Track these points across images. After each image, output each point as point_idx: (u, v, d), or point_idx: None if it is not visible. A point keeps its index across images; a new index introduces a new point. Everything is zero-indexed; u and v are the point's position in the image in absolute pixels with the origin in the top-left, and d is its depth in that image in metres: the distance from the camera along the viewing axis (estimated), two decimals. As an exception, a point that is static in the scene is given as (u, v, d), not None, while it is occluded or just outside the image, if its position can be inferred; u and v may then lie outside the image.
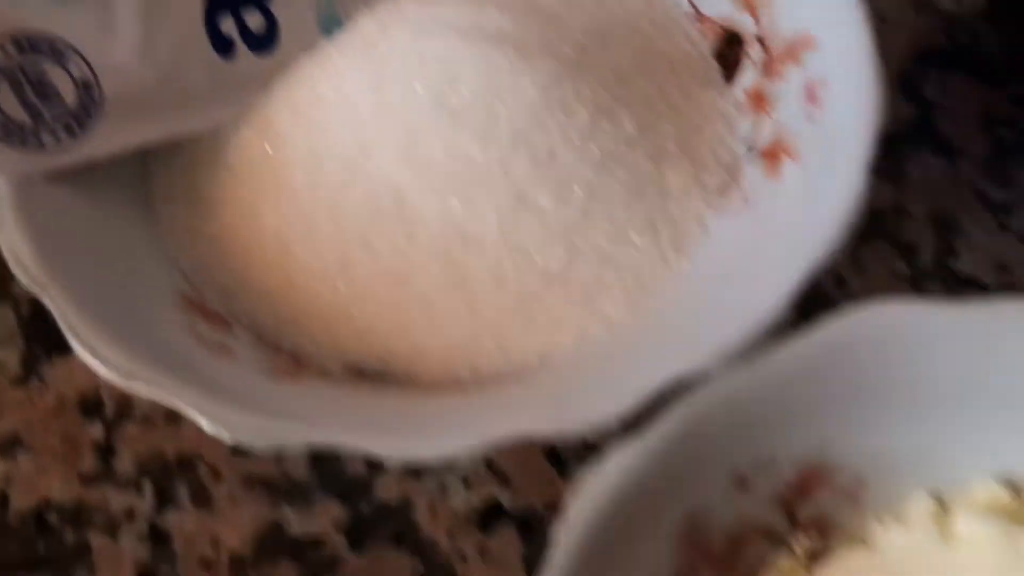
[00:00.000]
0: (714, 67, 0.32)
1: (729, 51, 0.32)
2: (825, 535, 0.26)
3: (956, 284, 0.34)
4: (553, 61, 0.29)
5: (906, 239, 0.35)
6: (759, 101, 0.30)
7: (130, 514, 0.32)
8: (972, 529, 0.25)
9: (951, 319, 0.24)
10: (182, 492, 0.32)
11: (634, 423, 0.23)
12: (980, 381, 0.25)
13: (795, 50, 0.30)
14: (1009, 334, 0.24)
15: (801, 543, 0.26)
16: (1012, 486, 0.26)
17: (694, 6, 0.33)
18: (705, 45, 0.33)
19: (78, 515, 0.32)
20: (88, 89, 0.29)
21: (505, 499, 0.31)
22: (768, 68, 0.31)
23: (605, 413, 0.23)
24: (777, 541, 0.26)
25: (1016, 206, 0.35)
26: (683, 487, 0.23)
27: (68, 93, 0.29)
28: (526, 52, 0.29)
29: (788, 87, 0.30)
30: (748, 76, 0.32)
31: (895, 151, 0.36)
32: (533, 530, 0.31)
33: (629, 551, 0.23)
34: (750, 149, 0.30)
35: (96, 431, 0.33)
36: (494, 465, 0.32)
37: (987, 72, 0.38)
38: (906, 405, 0.25)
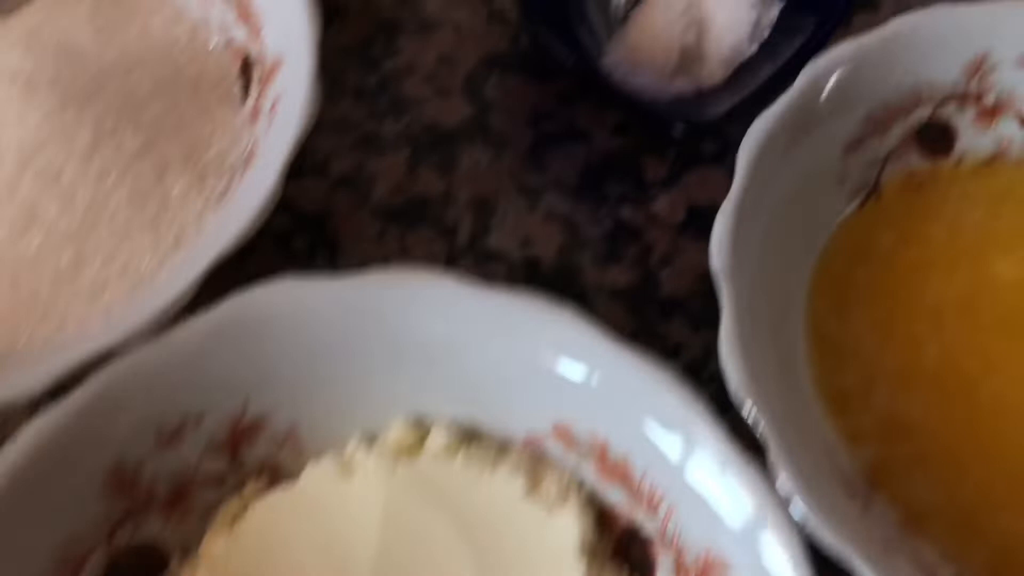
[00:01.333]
0: (235, 88, 0.37)
1: (246, 74, 0.37)
2: (275, 478, 0.31)
3: (485, 259, 0.39)
4: (61, 92, 0.34)
5: (448, 222, 0.40)
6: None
7: None
8: (365, 462, 0.30)
9: (332, 291, 0.30)
10: None
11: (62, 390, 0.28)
12: (373, 339, 0.30)
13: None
14: (382, 299, 0.30)
15: (251, 486, 0.31)
16: (420, 424, 0.31)
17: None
18: (232, 69, 0.38)
19: None
20: None
21: None
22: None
23: (28, 385, 0.28)
24: (229, 486, 0.31)
25: (545, 189, 0.41)
26: (105, 442, 0.28)
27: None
28: (34, 86, 0.34)
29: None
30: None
31: (450, 146, 0.41)
32: None
33: (53, 500, 0.28)
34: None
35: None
36: None
37: (539, 72, 0.43)
38: (320, 364, 0.31)
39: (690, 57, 0.41)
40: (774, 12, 0.41)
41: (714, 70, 0.41)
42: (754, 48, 0.41)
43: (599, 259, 0.39)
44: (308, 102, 0.32)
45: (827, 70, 0.34)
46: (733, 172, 0.32)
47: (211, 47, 0.38)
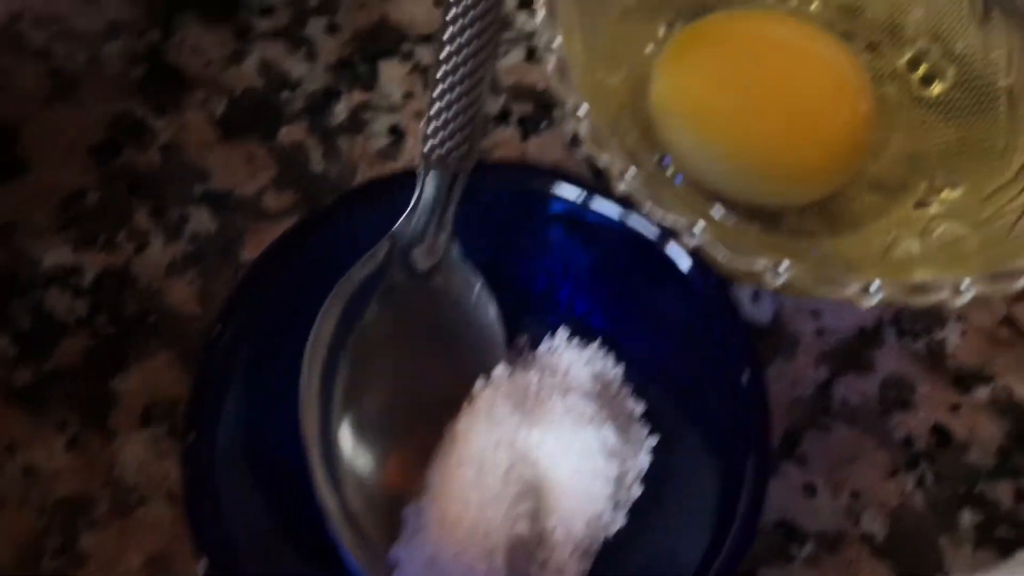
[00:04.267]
0: None
1: None
2: None
3: None
4: None
5: None
6: None
7: None
8: None
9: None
10: None
11: None
12: None
13: None
14: None
15: None
16: None
17: None
18: None
19: None
20: None
21: None
22: None
23: None
24: None
25: None
26: None
27: None
28: None
29: None
30: None
31: None
32: None
33: None
34: None
35: None
36: None
37: None
38: None
39: (524, 552, 0.26)
40: (642, 459, 0.27)
41: (563, 565, 0.26)
42: (620, 518, 0.27)
43: None
44: None
45: None
46: None
47: None
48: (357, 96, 0.35)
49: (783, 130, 0.30)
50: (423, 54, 0.36)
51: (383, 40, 0.36)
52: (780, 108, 0.30)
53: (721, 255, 0.25)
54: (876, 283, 0.24)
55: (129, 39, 0.36)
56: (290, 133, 0.34)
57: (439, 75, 0.27)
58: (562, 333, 0.29)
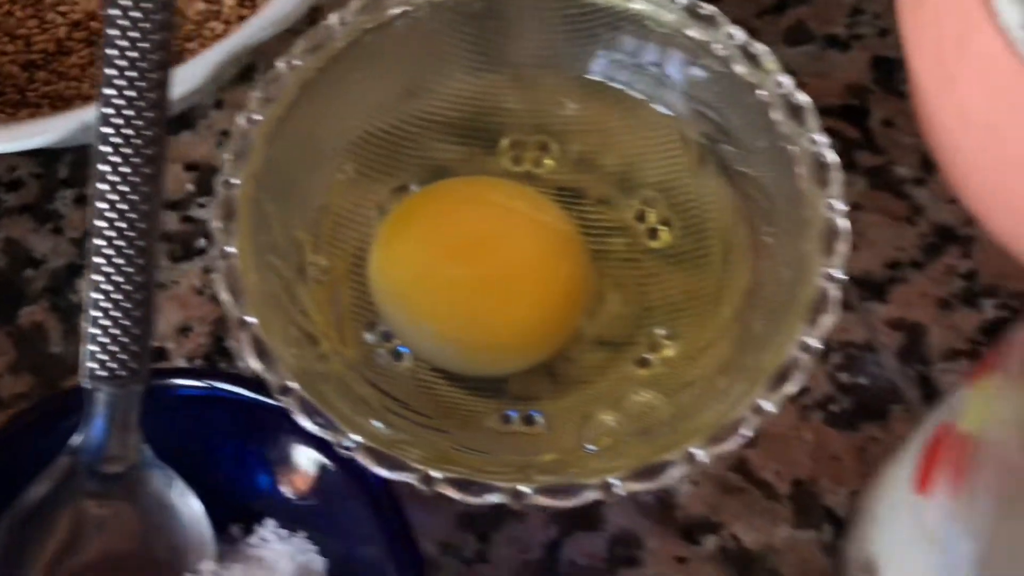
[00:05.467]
0: None
1: None
2: None
3: None
4: None
5: None
6: None
7: None
8: None
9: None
10: None
11: None
12: None
13: None
14: None
15: None
16: None
17: None
18: None
19: None
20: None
21: None
22: None
23: None
24: None
25: None
26: None
27: None
28: None
29: None
30: None
31: None
32: None
33: None
34: None
35: None
36: None
37: None
38: None
39: None
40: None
41: None
42: None
43: None
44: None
45: None
46: None
47: None
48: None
49: (489, 300, 0.31)
50: (170, 221, 0.36)
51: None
52: (487, 279, 0.31)
53: (373, 465, 0.25)
54: (525, 488, 0.25)
55: None
56: (31, 314, 0.35)
57: (94, 284, 0.27)
58: (270, 523, 0.29)
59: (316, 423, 0.25)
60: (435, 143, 0.34)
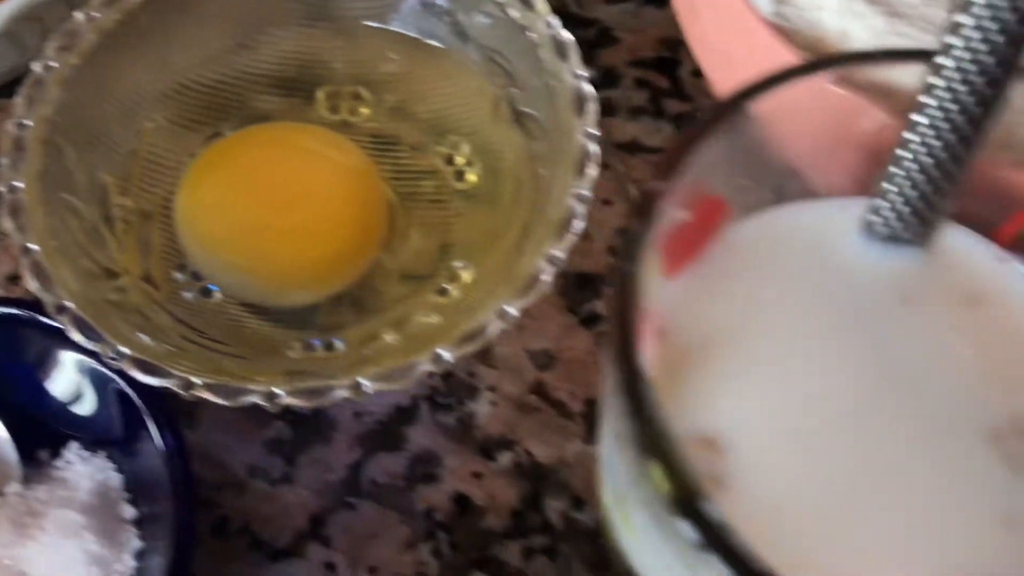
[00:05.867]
0: None
1: None
2: None
3: None
4: None
5: None
6: None
7: None
8: None
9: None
10: None
11: None
12: None
13: None
14: None
15: None
16: None
17: None
18: None
19: None
20: None
21: None
22: None
23: None
24: None
25: None
26: None
27: None
28: None
29: None
30: None
31: None
32: None
33: None
34: None
35: None
36: None
37: None
38: None
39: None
40: (127, 562, 0.29)
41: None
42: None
43: None
44: None
45: None
46: None
47: None
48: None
49: (283, 234, 0.33)
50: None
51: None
52: (281, 214, 0.33)
53: (139, 374, 0.27)
54: (278, 389, 0.27)
55: None
56: None
57: None
58: (73, 446, 0.31)
59: (88, 336, 0.27)
60: (257, 95, 0.36)
